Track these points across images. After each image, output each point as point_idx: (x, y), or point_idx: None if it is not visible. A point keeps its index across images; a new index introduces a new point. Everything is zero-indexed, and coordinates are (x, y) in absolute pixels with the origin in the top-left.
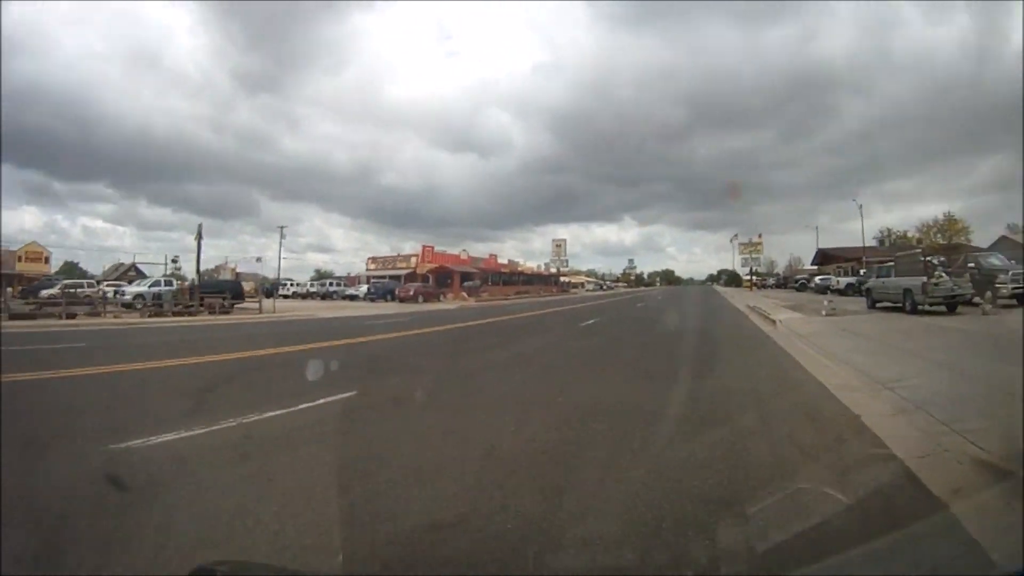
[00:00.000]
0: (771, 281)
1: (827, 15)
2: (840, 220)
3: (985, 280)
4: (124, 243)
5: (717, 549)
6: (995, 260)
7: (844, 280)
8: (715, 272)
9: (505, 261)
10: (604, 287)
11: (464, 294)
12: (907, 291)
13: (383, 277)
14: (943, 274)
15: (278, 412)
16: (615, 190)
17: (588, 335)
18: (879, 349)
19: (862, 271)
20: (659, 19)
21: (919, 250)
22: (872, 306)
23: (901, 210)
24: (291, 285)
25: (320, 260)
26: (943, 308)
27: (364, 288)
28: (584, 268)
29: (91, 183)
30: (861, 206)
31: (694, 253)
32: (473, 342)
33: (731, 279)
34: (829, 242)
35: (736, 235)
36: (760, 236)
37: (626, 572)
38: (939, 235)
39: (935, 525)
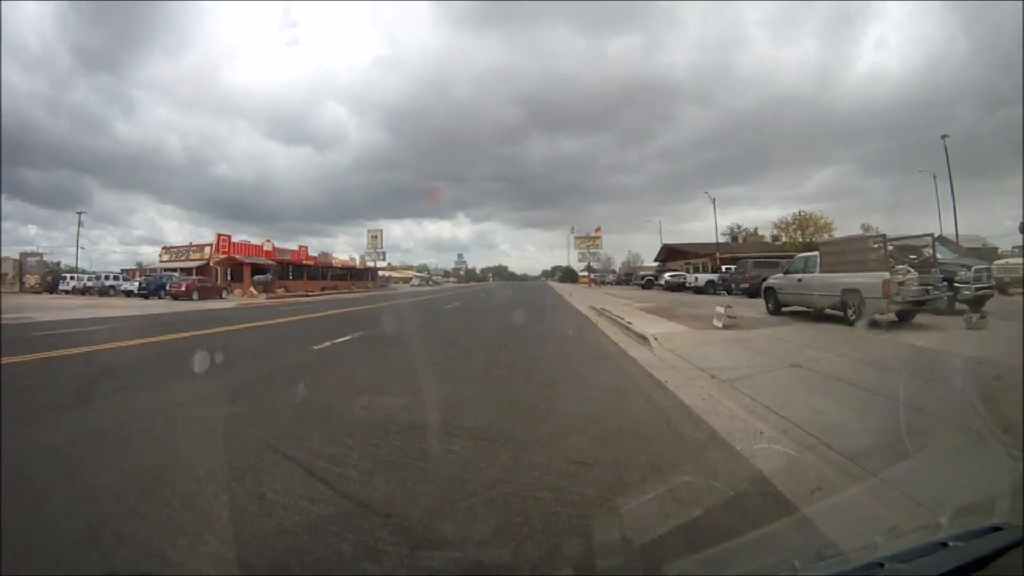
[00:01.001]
0: (611, 278)
1: (673, 28)
2: (677, 221)
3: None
4: None
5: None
6: (945, 253)
7: (703, 277)
8: (549, 268)
9: (316, 254)
10: (430, 282)
11: (253, 290)
12: (849, 292)
13: (174, 270)
14: (909, 269)
15: None
16: (449, 187)
17: (344, 359)
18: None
19: (725, 267)
20: (504, 22)
21: (872, 235)
22: (776, 311)
23: (736, 213)
24: (72, 279)
25: (153, 254)
26: (892, 317)
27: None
28: (417, 263)
29: None
30: (715, 200)
31: (527, 250)
32: (142, 374)
33: (566, 275)
34: (667, 241)
35: (573, 227)
36: (598, 230)
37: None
38: (797, 231)
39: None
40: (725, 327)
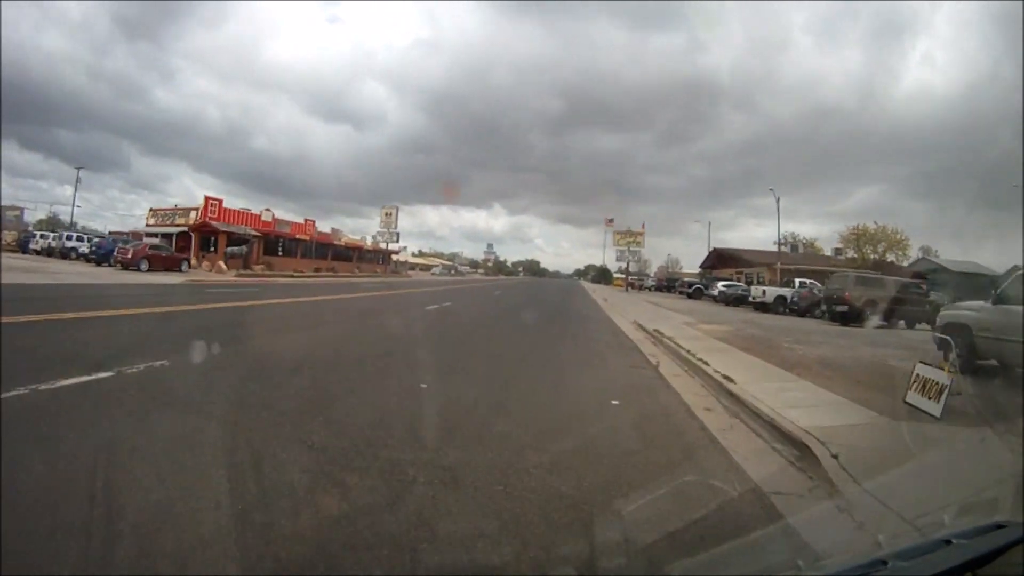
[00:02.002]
0: (650, 282)
1: (717, 29)
2: (714, 229)
3: None
4: None
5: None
6: None
7: (772, 291)
8: (582, 267)
9: (328, 230)
10: (453, 272)
11: (223, 263)
12: None
13: (155, 235)
14: None
15: None
16: (486, 176)
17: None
18: None
19: (799, 281)
20: (544, 11)
21: None
22: (969, 367)
23: (772, 226)
24: (40, 239)
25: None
26: None
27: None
28: (449, 252)
29: None
30: (779, 199)
31: (561, 246)
32: None
33: (600, 275)
34: (703, 250)
35: (612, 220)
36: (643, 226)
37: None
38: (868, 246)
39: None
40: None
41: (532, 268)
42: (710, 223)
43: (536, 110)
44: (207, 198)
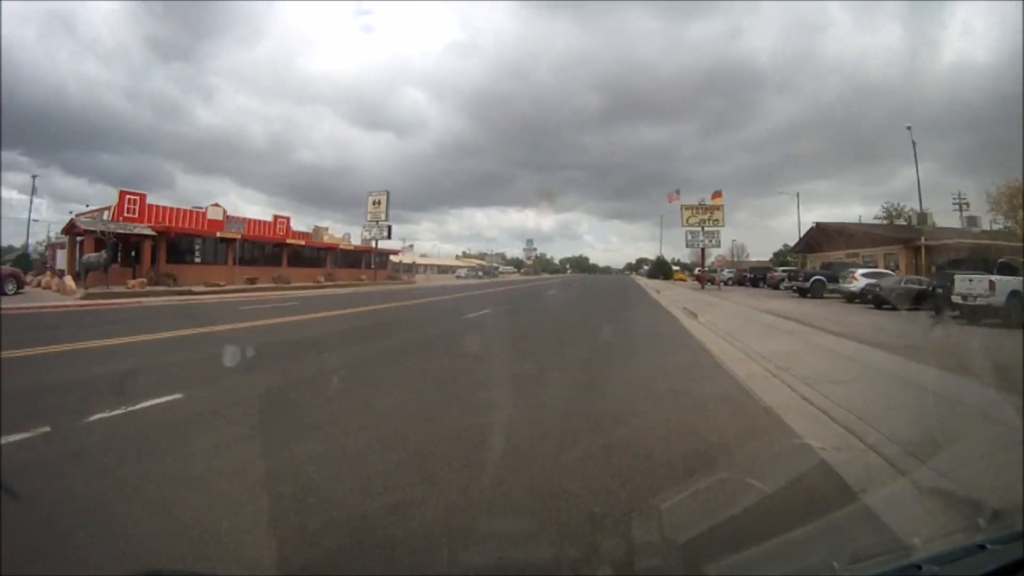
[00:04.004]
0: (726, 274)
1: (754, 13)
2: (762, 216)
3: None
4: (41, 215)
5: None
6: None
7: (1007, 282)
8: (633, 261)
9: (308, 229)
10: (481, 274)
11: (69, 280)
12: None
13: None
14: None
15: None
16: (532, 175)
17: None
18: None
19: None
20: (577, 5)
21: None
22: None
23: (822, 210)
24: None
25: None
26: None
27: None
28: (496, 252)
29: (6, 151)
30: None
31: (611, 242)
32: None
33: (657, 269)
34: (752, 240)
35: (677, 192)
36: (718, 195)
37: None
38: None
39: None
40: None
41: (581, 265)
42: (798, 194)
43: (578, 106)
44: (123, 192)
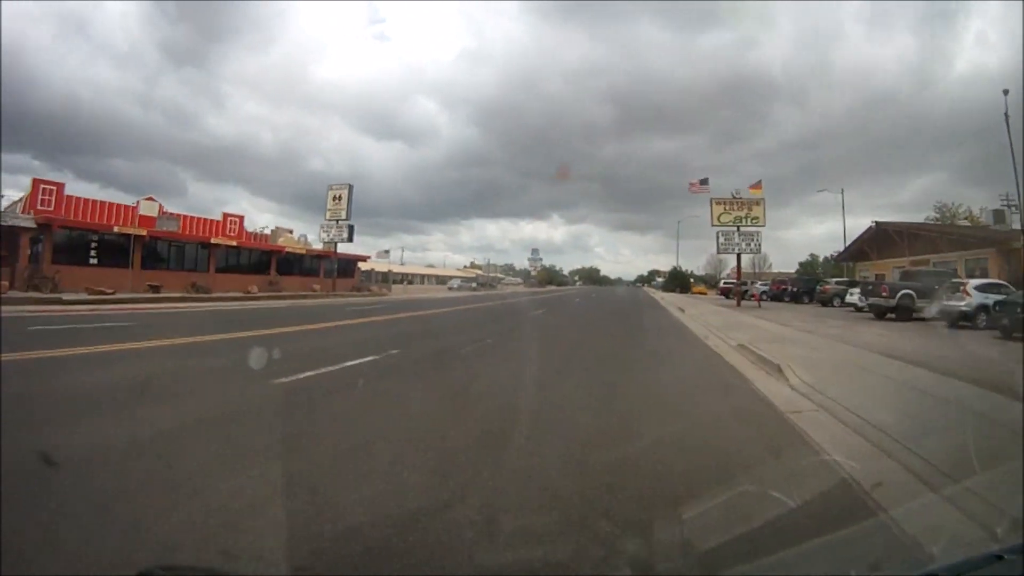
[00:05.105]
0: (760, 287)
1: (766, 24)
2: (775, 228)
3: None
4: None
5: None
6: None
7: None
8: (645, 273)
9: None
10: (475, 286)
11: None
12: None
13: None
14: None
15: None
16: (542, 187)
17: None
18: None
19: None
20: (587, 15)
21: None
22: None
23: (833, 222)
24: None
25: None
26: None
27: None
28: (506, 263)
29: (16, 153)
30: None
31: (622, 254)
32: None
33: (673, 280)
34: (776, 249)
35: (705, 181)
36: (758, 186)
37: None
38: None
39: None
40: None
41: (591, 276)
42: (842, 190)
43: (589, 117)
44: (36, 181)
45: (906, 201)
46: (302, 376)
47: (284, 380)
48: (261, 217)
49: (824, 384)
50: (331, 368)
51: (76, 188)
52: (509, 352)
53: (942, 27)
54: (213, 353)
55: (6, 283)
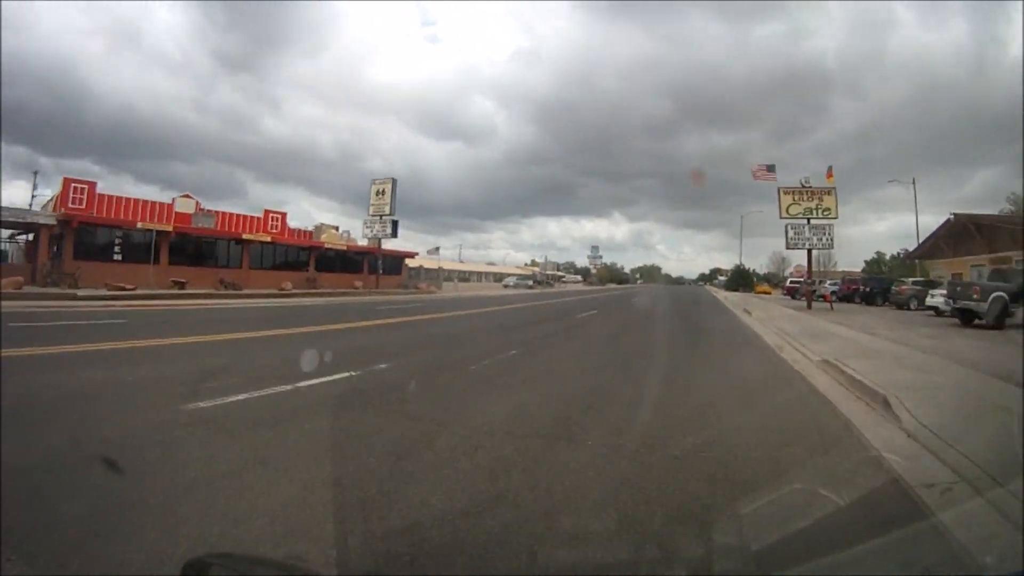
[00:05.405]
0: (830, 286)
1: (818, 13)
2: (837, 225)
3: None
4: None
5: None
6: None
7: None
8: (707, 271)
9: (309, 227)
10: (532, 284)
11: None
12: None
13: None
14: None
15: None
16: (602, 184)
17: None
18: None
19: None
20: (637, 11)
21: None
22: None
23: (894, 219)
24: None
25: None
26: None
27: None
28: (565, 261)
29: (77, 159)
30: None
31: (684, 252)
32: None
33: (736, 279)
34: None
35: (771, 168)
36: (831, 173)
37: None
38: None
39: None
40: None
41: (650, 274)
42: (914, 180)
43: (645, 113)
44: (66, 180)
45: (970, 195)
46: (200, 406)
47: (190, 407)
48: (321, 216)
49: (954, 430)
50: (251, 395)
51: (136, 191)
52: (530, 372)
53: (993, 9)
54: (111, 362)
55: (20, 278)
